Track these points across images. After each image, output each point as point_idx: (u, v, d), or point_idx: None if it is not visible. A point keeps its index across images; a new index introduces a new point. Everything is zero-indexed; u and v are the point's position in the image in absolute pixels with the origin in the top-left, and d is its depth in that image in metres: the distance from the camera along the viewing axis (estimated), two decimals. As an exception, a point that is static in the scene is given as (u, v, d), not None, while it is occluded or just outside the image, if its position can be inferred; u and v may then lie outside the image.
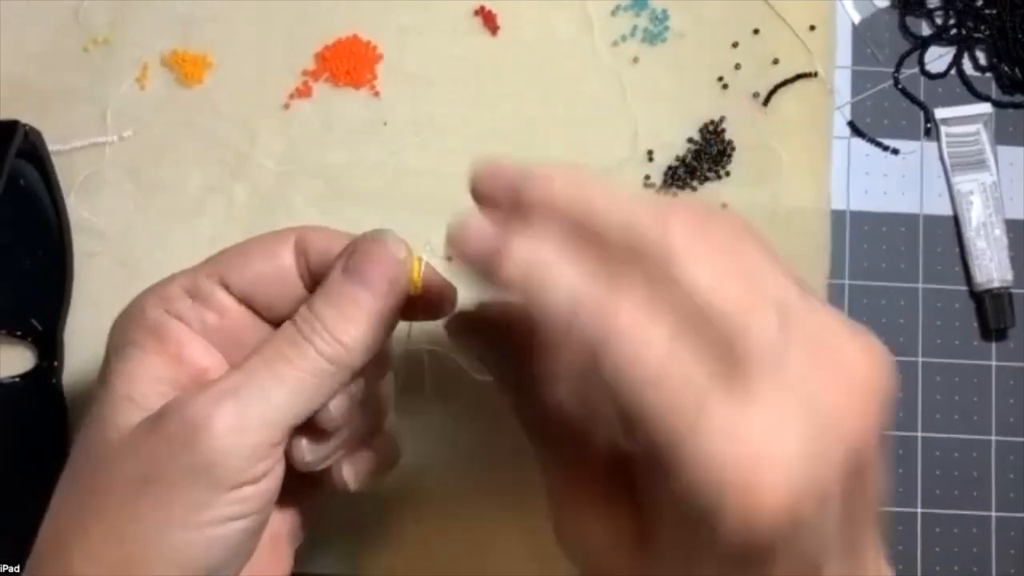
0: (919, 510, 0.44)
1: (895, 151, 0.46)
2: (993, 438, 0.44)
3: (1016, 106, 0.46)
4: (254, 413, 0.27)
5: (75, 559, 0.27)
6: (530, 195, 0.25)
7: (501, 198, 0.26)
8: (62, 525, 0.28)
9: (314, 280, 0.30)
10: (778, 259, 0.25)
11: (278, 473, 0.29)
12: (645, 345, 0.23)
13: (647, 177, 0.45)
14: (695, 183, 0.45)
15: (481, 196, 0.27)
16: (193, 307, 0.30)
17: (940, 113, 0.46)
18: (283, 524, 0.33)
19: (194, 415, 0.27)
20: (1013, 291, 0.45)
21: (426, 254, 0.31)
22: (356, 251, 0.29)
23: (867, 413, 0.24)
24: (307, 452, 0.30)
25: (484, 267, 0.25)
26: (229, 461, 0.26)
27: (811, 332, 0.24)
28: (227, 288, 0.30)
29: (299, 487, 0.32)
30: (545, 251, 0.24)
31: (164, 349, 0.29)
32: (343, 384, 0.29)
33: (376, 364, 0.30)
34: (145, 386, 0.29)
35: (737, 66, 0.45)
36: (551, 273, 0.24)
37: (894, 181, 0.46)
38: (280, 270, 0.30)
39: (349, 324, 0.28)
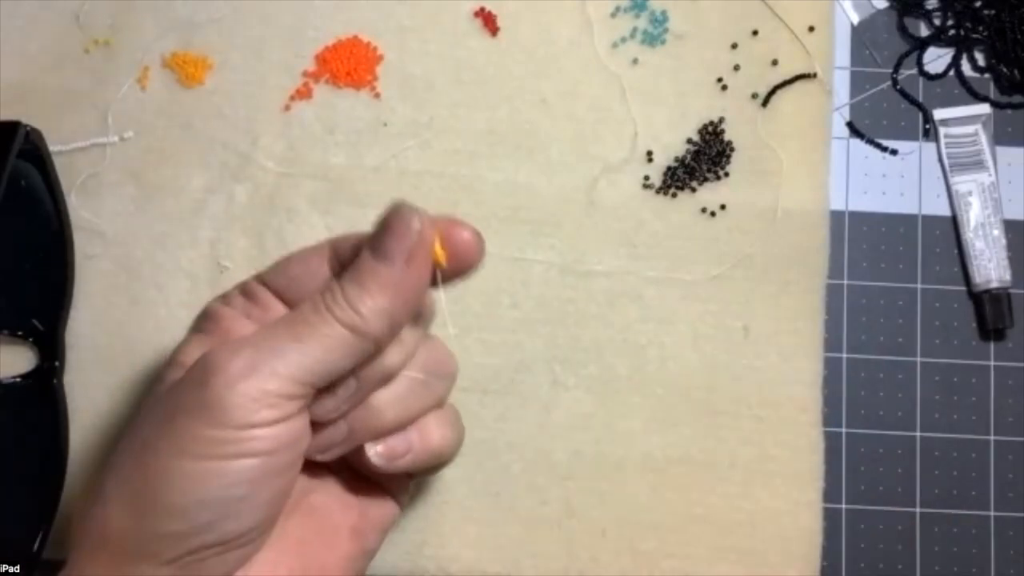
0: (918, 510, 0.44)
1: (894, 152, 0.46)
2: (992, 438, 0.45)
3: (1014, 107, 0.46)
4: (266, 361, 0.29)
5: (108, 484, 0.30)
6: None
7: None
8: (107, 462, 0.31)
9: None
10: None
11: (296, 426, 0.30)
12: None
13: (646, 178, 0.45)
14: (694, 184, 0.45)
15: None
16: (244, 302, 0.33)
17: (939, 114, 0.46)
18: (364, 518, 0.35)
19: (212, 359, 0.30)
20: (1011, 291, 0.45)
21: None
22: (378, 227, 0.31)
23: None
24: (316, 405, 0.32)
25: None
26: (235, 400, 0.29)
27: None
28: (267, 287, 0.34)
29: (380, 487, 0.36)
30: None
31: (216, 328, 0.33)
32: (367, 353, 0.31)
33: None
34: (196, 354, 0.31)
35: (736, 67, 0.46)
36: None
37: (893, 182, 0.46)
38: (311, 270, 0.33)
39: (367, 295, 0.30)
